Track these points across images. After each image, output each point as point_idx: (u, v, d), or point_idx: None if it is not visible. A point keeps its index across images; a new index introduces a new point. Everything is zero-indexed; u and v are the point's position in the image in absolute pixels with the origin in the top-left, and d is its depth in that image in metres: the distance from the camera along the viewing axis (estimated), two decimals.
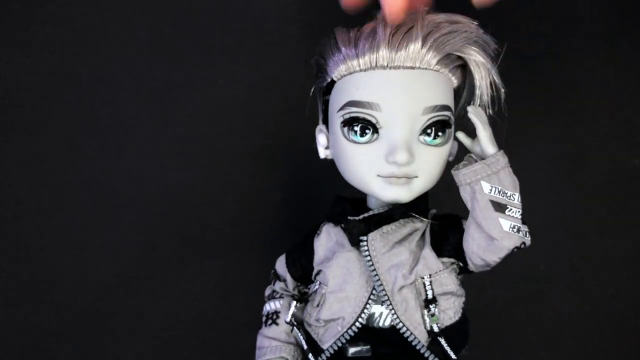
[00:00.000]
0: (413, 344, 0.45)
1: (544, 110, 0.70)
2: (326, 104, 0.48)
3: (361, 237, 0.46)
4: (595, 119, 0.70)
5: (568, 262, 0.72)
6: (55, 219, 0.68)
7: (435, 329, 0.45)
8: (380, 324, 0.46)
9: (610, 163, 0.70)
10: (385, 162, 0.44)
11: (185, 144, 0.68)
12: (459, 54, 0.45)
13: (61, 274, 0.68)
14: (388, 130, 0.44)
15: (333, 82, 0.46)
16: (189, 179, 0.69)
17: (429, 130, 0.44)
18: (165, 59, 0.67)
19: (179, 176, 0.68)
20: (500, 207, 0.42)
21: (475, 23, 0.45)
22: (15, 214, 0.67)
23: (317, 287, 0.48)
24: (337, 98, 0.45)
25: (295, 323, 0.50)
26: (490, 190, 0.43)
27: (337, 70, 0.45)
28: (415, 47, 0.43)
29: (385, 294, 0.45)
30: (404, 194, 0.45)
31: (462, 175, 0.44)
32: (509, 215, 0.43)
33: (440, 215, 0.49)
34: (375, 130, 0.44)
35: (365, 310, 0.45)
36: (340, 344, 0.46)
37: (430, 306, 0.45)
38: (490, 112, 0.46)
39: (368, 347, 0.46)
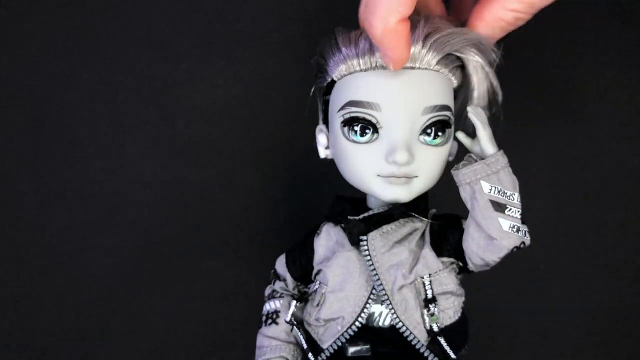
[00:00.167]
0: (413, 343, 0.45)
1: (544, 110, 0.70)
2: (326, 104, 0.48)
3: (361, 237, 0.46)
4: (595, 119, 0.70)
5: (568, 262, 0.72)
6: (55, 219, 0.68)
7: (435, 329, 0.45)
8: (380, 324, 0.46)
9: (610, 163, 0.70)
10: (386, 162, 0.44)
11: (185, 144, 0.68)
12: (458, 54, 0.45)
13: (61, 274, 0.68)
14: (388, 130, 0.44)
15: (333, 82, 0.46)
16: (189, 179, 0.69)
17: (429, 131, 0.44)
18: (165, 59, 0.67)
19: (179, 176, 0.68)
20: (500, 207, 0.43)
21: None
22: (15, 214, 0.67)
23: (317, 286, 0.48)
24: (338, 98, 0.45)
25: (295, 323, 0.50)
26: (490, 190, 0.43)
27: (338, 70, 0.45)
28: (415, 47, 0.43)
29: (385, 294, 0.45)
30: (404, 194, 0.45)
31: (462, 175, 0.44)
32: (509, 215, 0.43)
33: (440, 215, 0.49)
34: (376, 130, 0.44)
35: (365, 310, 0.45)
36: (340, 344, 0.46)
37: (430, 306, 0.45)
38: (488, 113, 0.46)
39: (368, 346, 0.46)
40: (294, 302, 0.50)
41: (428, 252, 0.46)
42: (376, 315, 0.46)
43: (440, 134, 0.45)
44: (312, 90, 0.50)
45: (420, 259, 0.45)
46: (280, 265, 0.53)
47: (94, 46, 0.66)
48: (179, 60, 0.68)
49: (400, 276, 0.45)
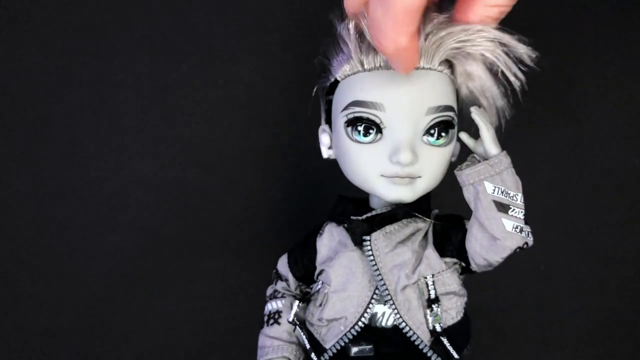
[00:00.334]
0: (416, 343, 0.45)
1: (544, 110, 0.70)
2: (329, 103, 0.48)
3: (364, 237, 0.46)
4: (595, 119, 0.70)
5: (568, 262, 0.72)
6: (56, 219, 0.67)
7: (438, 329, 0.45)
8: (383, 324, 0.46)
9: (610, 163, 0.71)
10: (389, 162, 0.44)
11: (185, 144, 0.68)
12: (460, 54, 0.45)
13: (61, 274, 0.68)
14: (392, 130, 0.44)
15: (337, 82, 0.46)
16: (189, 179, 0.69)
17: (432, 131, 0.44)
18: (165, 59, 0.67)
19: (179, 176, 0.68)
20: (503, 208, 0.43)
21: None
22: (15, 214, 0.67)
23: (319, 286, 0.48)
24: (341, 98, 0.45)
25: (297, 322, 0.50)
26: (494, 190, 0.43)
27: (341, 70, 0.45)
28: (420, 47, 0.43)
29: (388, 294, 0.45)
30: (407, 194, 0.45)
31: (466, 175, 0.44)
32: (512, 215, 0.43)
33: (443, 215, 0.49)
34: (379, 130, 0.44)
35: (368, 310, 0.45)
36: (342, 344, 0.46)
37: (433, 306, 0.45)
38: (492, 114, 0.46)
39: (370, 346, 0.46)
40: (296, 302, 0.50)
41: (431, 252, 0.46)
42: (379, 315, 0.46)
43: (443, 134, 0.45)
44: (315, 89, 0.50)
45: (423, 259, 0.46)
46: (282, 265, 0.53)
47: (94, 46, 0.66)
48: (179, 60, 0.67)
49: (403, 276, 0.45)
